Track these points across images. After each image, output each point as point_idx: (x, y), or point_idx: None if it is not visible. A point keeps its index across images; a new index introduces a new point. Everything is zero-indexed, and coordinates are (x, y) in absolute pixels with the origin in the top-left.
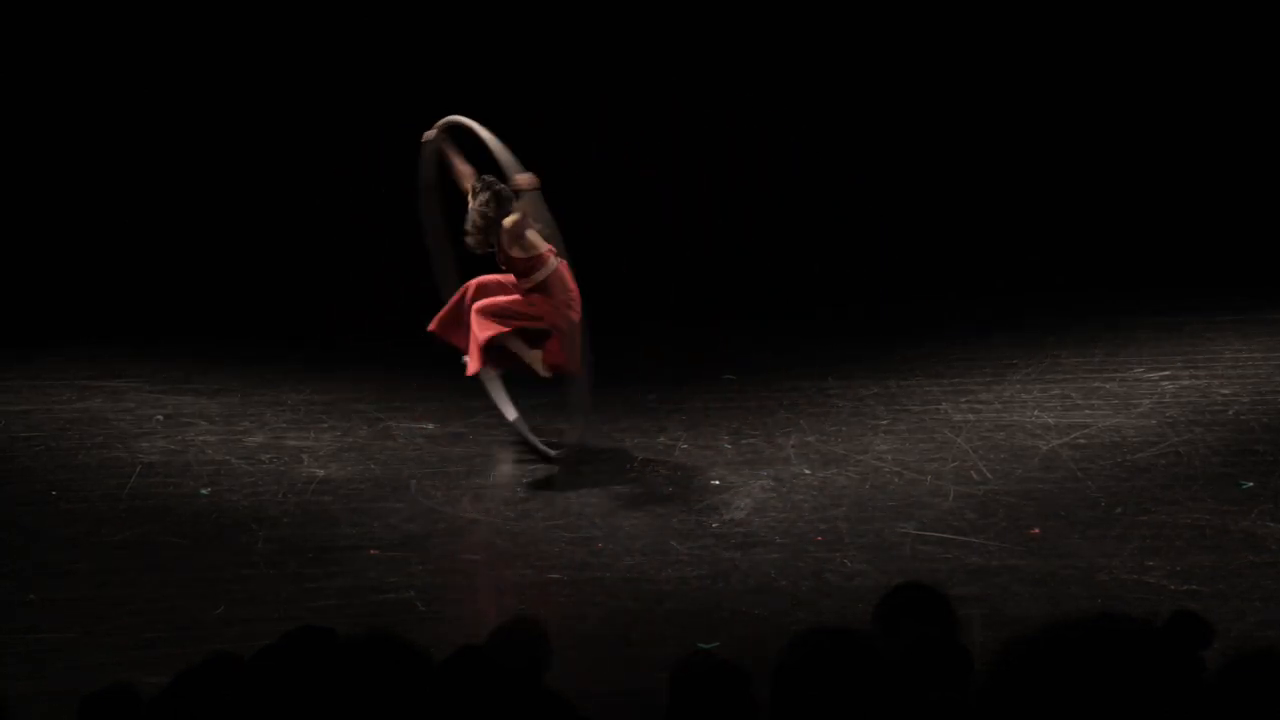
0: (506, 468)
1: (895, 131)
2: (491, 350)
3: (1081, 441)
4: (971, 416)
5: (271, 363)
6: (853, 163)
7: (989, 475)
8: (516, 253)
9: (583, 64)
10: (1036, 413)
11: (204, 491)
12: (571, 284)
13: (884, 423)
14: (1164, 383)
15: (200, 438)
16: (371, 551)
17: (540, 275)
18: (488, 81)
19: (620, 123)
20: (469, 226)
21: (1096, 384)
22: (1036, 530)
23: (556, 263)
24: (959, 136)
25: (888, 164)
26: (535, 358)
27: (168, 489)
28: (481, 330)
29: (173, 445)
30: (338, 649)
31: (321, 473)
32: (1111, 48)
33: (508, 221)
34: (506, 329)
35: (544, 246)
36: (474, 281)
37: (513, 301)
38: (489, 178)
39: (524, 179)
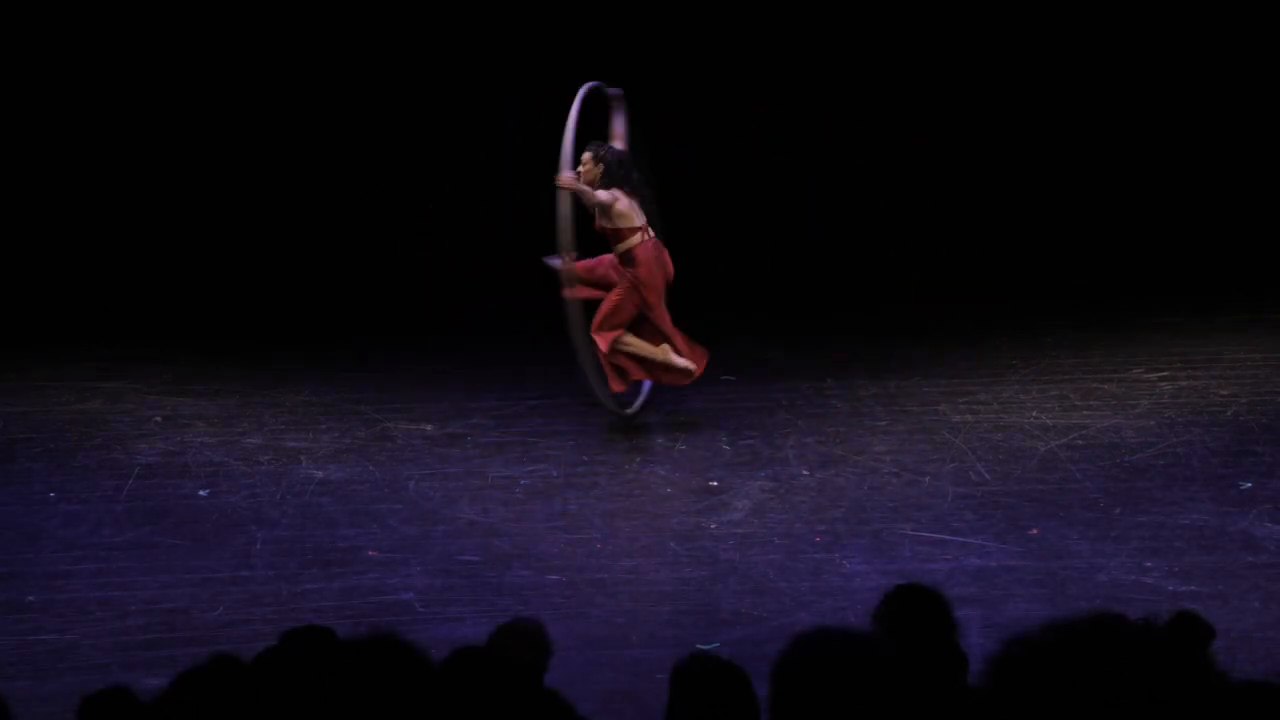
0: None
1: (895, 133)
2: (620, 361)
3: (1080, 442)
4: (970, 417)
5: (270, 364)
6: (852, 163)
7: (987, 476)
8: (604, 223)
9: (585, 66)
10: (1035, 414)
11: (203, 493)
12: (653, 262)
13: (882, 423)
14: (1162, 383)
15: (199, 439)
16: (370, 553)
17: (623, 248)
18: (485, 82)
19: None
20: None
21: (1095, 385)
22: (1035, 531)
23: (643, 239)
24: (959, 139)
25: (887, 165)
26: (664, 351)
27: (166, 490)
28: (603, 344)
29: (171, 447)
30: (338, 650)
31: (320, 474)
32: (1111, 52)
33: (602, 195)
34: (619, 332)
35: (637, 221)
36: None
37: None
38: (600, 145)
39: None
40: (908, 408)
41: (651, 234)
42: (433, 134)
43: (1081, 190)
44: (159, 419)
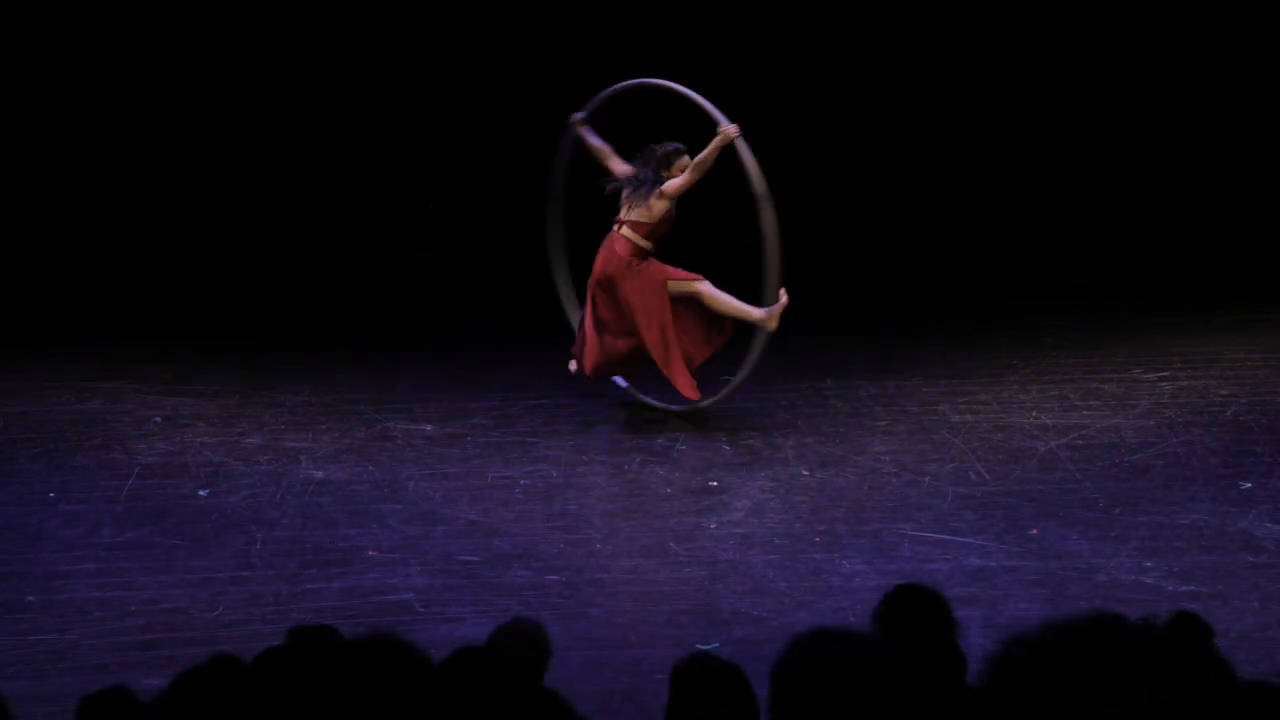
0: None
1: (894, 134)
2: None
3: (1080, 442)
4: (970, 417)
5: (269, 364)
6: (851, 164)
7: (987, 476)
8: None
9: (585, 66)
10: (1034, 414)
11: (202, 493)
12: (599, 257)
13: (882, 424)
14: (1162, 383)
15: (198, 439)
16: (370, 553)
17: None
18: (485, 82)
19: (618, 120)
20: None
21: (1094, 385)
22: (1035, 531)
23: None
24: (959, 139)
25: (886, 166)
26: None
27: (166, 490)
28: None
29: (171, 447)
30: (338, 650)
31: (320, 474)
32: (1111, 52)
33: (619, 167)
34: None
35: (620, 214)
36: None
37: None
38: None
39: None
40: (908, 408)
41: (615, 229)
42: (433, 134)
43: (1081, 190)
44: (159, 419)
